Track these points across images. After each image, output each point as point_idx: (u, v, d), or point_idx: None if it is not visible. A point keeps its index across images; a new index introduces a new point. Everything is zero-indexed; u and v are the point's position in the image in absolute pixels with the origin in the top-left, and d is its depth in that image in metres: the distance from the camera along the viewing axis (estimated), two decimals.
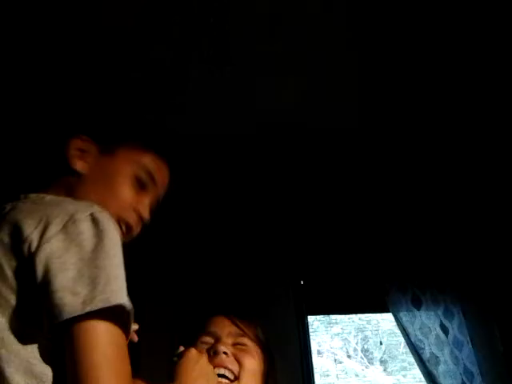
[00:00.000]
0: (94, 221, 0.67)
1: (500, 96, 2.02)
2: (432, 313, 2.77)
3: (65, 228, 0.65)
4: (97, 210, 0.70)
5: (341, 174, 2.47)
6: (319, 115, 2.08)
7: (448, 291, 2.85)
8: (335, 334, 3.01)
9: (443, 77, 1.92)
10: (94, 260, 0.63)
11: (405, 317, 2.72)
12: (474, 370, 2.61)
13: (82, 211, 0.68)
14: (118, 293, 0.63)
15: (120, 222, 0.84)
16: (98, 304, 0.59)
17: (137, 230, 0.89)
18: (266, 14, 1.59)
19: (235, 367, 0.92)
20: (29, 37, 1.62)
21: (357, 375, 2.94)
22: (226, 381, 0.91)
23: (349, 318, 3.02)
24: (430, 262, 2.94)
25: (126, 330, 0.66)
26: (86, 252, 0.63)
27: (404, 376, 2.91)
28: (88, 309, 0.59)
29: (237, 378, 0.92)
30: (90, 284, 0.61)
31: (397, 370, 2.94)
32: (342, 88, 1.95)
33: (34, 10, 1.52)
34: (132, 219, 0.86)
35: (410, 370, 2.88)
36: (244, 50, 1.70)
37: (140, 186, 0.88)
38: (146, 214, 0.88)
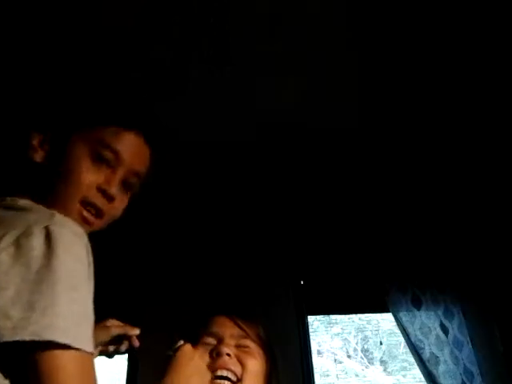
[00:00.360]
0: (48, 236, 0.63)
1: (500, 96, 2.02)
2: (432, 313, 2.77)
3: (17, 241, 0.61)
4: (56, 221, 0.66)
5: (341, 174, 2.47)
6: (319, 115, 2.08)
7: (448, 291, 2.85)
8: (335, 334, 3.00)
9: (443, 76, 1.92)
10: (36, 283, 0.58)
11: (405, 317, 2.72)
12: (474, 369, 2.61)
13: (40, 223, 0.64)
14: (57, 321, 0.57)
15: (87, 205, 0.80)
16: (29, 336, 0.55)
17: (109, 211, 0.84)
18: (266, 14, 1.59)
19: (238, 369, 0.92)
20: (25, 36, 1.62)
21: (357, 375, 2.94)
22: (229, 382, 0.91)
23: (349, 318, 3.02)
24: (430, 262, 2.93)
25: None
26: (30, 273, 0.59)
27: (404, 376, 2.91)
28: (18, 338, 0.55)
29: (239, 379, 0.92)
30: (27, 310, 0.57)
31: (397, 370, 2.94)
32: (342, 88, 1.95)
33: (33, 9, 1.52)
34: (98, 199, 0.81)
35: (410, 369, 2.88)
36: (244, 49, 1.70)
37: (101, 161, 0.83)
38: (111, 190, 0.82)
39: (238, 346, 0.97)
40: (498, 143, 2.29)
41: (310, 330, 2.83)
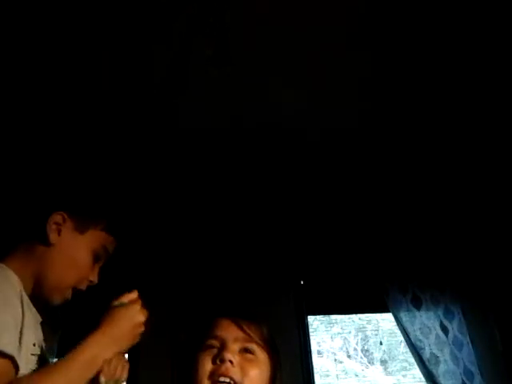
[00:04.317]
0: None
1: (500, 96, 2.02)
2: (432, 313, 2.77)
3: None
4: None
5: (340, 174, 2.47)
6: (320, 116, 2.08)
7: (448, 291, 2.85)
8: (335, 334, 3.00)
9: (442, 79, 1.92)
10: None
11: (405, 317, 2.72)
12: (474, 369, 2.61)
13: None
14: None
15: (75, 288, 1.04)
16: None
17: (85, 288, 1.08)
18: (265, 14, 1.59)
19: (239, 377, 0.92)
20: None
21: (357, 375, 2.94)
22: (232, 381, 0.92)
23: (349, 318, 3.02)
24: (430, 262, 2.94)
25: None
26: None
27: (404, 376, 2.91)
28: None
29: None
30: None
31: (397, 370, 2.94)
32: (343, 88, 1.95)
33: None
34: (85, 286, 1.06)
35: (409, 370, 2.88)
36: (244, 50, 1.70)
37: (96, 259, 1.07)
38: (96, 280, 1.08)
39: (242, 351, 0.96)
40: (498, 143, 2.29)
41: (310, 329, 2.83)
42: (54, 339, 1.07)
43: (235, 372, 0.92)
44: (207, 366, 0.93)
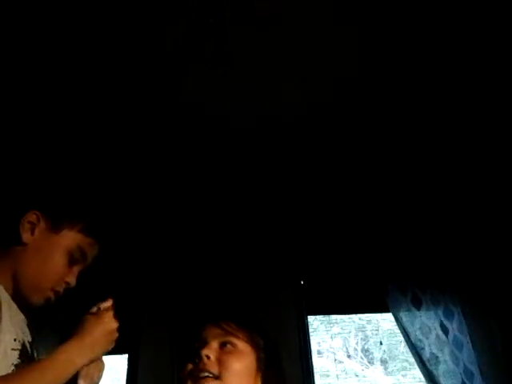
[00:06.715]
0: None
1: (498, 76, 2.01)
2: (432, 313, 2.77)
3: None
4: None
5: (341, 173, 2.47)
6: (320, 115, 2.08)
7: (448, 291, 2.85)
8: (335, 334, 3.00)
9: (432, 57, 1.91)
10: None
11: (405, 317, 2.72)
12: (474, 369, 2.61)
13: None
14: None
15: (52, 290, 1.03)
16: None
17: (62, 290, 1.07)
18: (265, 14, 1.59)
19: (216, 369, 0.94)
20: None
21: (357, 375, 2.94)
22: (211, 378, 0.93)
23: (349, 318, 3.02)
24: (430, 262, 2.93)
25: None
26: None
27: (404, 376, 2.91)
28: None
29: (219, 377, 0.93)
30: None
31: (397, 370, 2.94)
32: (343, 87, 1.95)
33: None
34: (61, 288, 1.05)
35: (409, 370, 2.88)
36: (244, 49, 1.70)
37: (73, 261, 1.05)
38: (73, 283, 1.07)
39: (222, 345, 0.98)
40: (498, 142, 2.29)
41: (310, 329, 2.83)
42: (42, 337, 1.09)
43: (212, 365, 0.94)
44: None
